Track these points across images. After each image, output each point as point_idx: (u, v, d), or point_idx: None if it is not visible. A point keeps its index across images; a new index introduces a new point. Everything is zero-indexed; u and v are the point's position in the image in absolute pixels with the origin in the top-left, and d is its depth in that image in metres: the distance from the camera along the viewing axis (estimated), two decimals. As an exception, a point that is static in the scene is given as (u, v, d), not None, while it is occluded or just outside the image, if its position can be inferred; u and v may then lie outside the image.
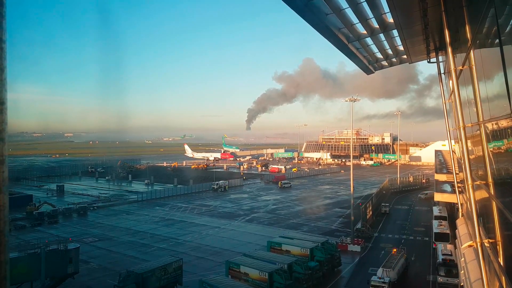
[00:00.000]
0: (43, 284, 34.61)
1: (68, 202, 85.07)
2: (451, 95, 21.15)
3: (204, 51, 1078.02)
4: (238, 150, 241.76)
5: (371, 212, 65.01)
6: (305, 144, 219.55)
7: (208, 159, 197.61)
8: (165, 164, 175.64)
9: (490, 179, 11.45)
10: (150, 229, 63.12)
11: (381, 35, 20.81)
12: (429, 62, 25.66)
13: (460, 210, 27.34)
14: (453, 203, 41.57)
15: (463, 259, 17.31)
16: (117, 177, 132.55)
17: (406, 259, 42.57)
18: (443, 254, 39.56)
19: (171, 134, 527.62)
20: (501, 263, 10.56)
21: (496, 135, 10.51)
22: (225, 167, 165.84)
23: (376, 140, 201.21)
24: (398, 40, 21.78)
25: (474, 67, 11.82)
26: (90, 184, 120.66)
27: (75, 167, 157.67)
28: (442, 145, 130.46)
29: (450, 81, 18.48)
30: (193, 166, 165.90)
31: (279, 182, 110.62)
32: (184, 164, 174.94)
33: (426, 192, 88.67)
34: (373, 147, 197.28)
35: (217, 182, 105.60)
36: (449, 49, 15.21)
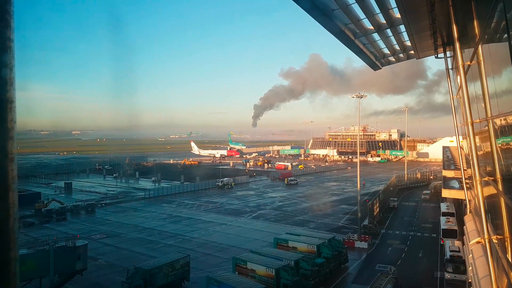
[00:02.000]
0: (52, 280, 35.02)
1: (76, 199, 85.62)
2: (459, 90, 20.97)
3: (210, 48, 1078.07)
4: (245, 147, 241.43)
5: (378, 209, 64.76)
6: (311, 141, 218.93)
7: (214, 156, 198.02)
8: (172, 162, 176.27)
9: (498, 175, 11.35)
10: (158, 225, 63.54)
11: (388, 31, 20.63)
12: (436, 57, 25.36)
13: (468, 206, 27.11)
14: (461, 199, 41.22)
15: (471, 255, 17.20)
16: (124, 174, 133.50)
17: (397, 283, 35.20)
18: (450, 251, 39.38)
19: (178, 131, 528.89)
20: (510, 260, 10.49)
21: (505, 131, 10.40)
22: (231, 164, 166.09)
23: (383, 136, 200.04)
24: (405, 36, 21.57)
25: (482, 62, 11.69)
26: (97, 182, 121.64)
27: (83, 165, 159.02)
28: (450, 141, 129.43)
29: (458, 77, 18.28)
30: (187, 163, 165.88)
31: (286, 179, 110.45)
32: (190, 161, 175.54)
33: (427, 192, 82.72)
34: (380, 144, 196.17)
35: (221, 179, 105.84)
36: (457, 44, 15.05)
